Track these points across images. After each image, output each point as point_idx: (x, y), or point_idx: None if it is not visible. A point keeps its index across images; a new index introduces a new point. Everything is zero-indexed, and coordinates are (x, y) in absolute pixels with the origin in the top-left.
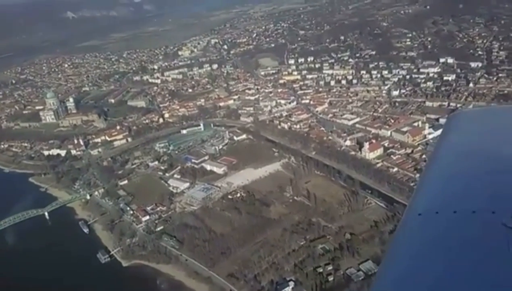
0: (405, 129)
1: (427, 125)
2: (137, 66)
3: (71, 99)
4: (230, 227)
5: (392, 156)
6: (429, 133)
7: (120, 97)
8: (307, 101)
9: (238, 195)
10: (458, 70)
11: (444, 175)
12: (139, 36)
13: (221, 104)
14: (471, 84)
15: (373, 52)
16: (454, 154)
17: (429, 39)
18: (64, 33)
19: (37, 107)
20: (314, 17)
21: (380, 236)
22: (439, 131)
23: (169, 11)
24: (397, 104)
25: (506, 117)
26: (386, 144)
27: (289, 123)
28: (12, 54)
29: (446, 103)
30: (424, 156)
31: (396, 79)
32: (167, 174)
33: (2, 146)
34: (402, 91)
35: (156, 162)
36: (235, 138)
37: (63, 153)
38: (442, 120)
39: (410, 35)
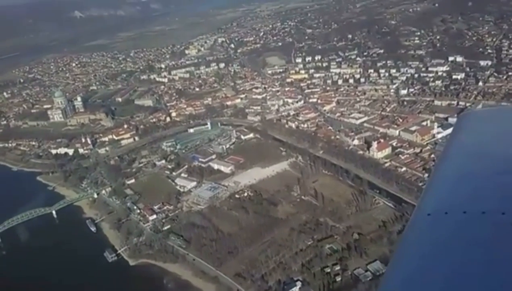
0: (413, 128)
1: (435, 124)
2: (144, 65)
3: (79, 98)
4: (238, 227)
5: (400, 155)
6: (438, 133)
7: (127, 96)
8: (315, 100)
9: (246, 194)
10: (467, 69)
11: (454, 175)
12: (146, 35)
13: (228, 103)
14: (480, 83)
15: (381, 51)
16: (464, 154)
17: (438, 37)
18: (72, 33)
19: (45, 106)
20: (322, 16)
21: (388, 236)
22: (448, 131)
23: (175, 10)
24: (405, 103)
25: None
26: (394, 144)
27: (296, 123)
28: (20, 53)
29: (455, 103)
30: (432, 156)
31: (404, 78)
32: (174, 173)
33: (10, 145)
34: (411, 90)
35: (163, 161)
36: (242, 137)
37: (70, 151)
38: (451, 120)
39: (419, 33)
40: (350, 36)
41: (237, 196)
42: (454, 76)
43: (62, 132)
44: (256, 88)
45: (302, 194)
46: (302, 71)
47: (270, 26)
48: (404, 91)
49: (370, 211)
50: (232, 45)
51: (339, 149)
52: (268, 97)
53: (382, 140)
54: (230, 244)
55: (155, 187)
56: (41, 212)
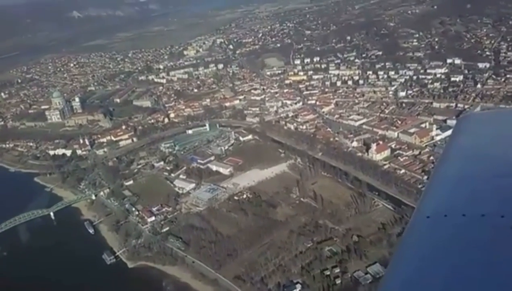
0: (412, 130)
1: (434, 126)
2: (143, 65)
3: (77, 99)
4: (237, 229)
5: (399, 158)
6: (437, 135)
7: (125, 97)
8: (313, 101)
9: (244, 196)
10: (466, 71)
11: (453, 177)
12: (144, 35)
13: (227, 104)
14: (478, 85)
15: (380, 53)
16: (463, 157)
17: (436, 39)
18: (70, 33)
19: (42, 107)
20: (320, 17)
21: (388, 238)
22: (446, 133)
23: (174, 11)
24: (404, 105)
25: None
26: (393, 146)
27: (295, 124)
28: (17, 53)
29: (453, 105)
30: (431, 158)
31: (403, 80)
32: (172, 175)
33: (8, 145)
34: (409, 92)
35: (162, 162)
36: (241, 138)
37: (68, 152)
38: (450, 122)
39: (417, 35)
40: (348, 38)
41: (236, 197)
42: (452, 79)
43: (60, 133)
44: (255, 89)
45: (301, 196)
46: (301, 73)
47: (269, 27)
48: (402, 93)
49: (370, 213)
50: (231, 46)
51: (338, 150)
52: (266, 98)
53: (381, 142)
54: (229, 246)
55: (153, 189)
56: (39, 214)
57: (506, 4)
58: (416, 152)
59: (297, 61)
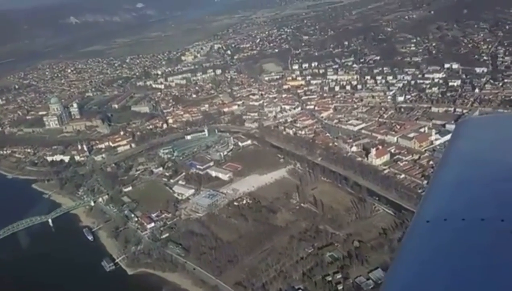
0: (411, 135)
1: (433, 131)
2: (140, 71)
3: (75, 105)
4: (237, 234)
5: (399, 162)
6: (436, 139)
7: (123, 102)
8: (312, 107)
9: (244, 201)
10: (463, 76)
11: (452, 182)
12: (141, 41)
13: (225, 109)
14: (476, 90)
15: (378, 58)
16: (463, 161)
17: (434, 44)
18: (67, 39)
19: (40, 113)
20: (318, 23)
21: (389, 243)
22: (445, 137)
23: (171, 17)
24: (402, 110)
25: None
26: (392, 151)
27: (294, 129)
28: (15, 59)
29: (452, 109)
30: (431, 162)
31: (401, 85)
32: (171, 180)
33: (5, 152)
34: (407, 96)
35: (161, 168)
36: (240, 144)
37: (66, 158)
38: (449, 126)
39: (415, 40)
40: (346, 43)
41: (235, 203)
42: (450, 83)
43: (58, 139)
44: (253, 94)
45: (301, 201)
46: (299, 78)
47: (266, 32)
48: (401, 98)
49: (370, 218)
50: (229, 52)
51: (337, 155)
52: (265, 104)
53: (380, 147)
54: (230, 252)
55: (152, 195)
56: (37, 221)
57: (502, 9)
58: (416, 157)
59: (295, 67)
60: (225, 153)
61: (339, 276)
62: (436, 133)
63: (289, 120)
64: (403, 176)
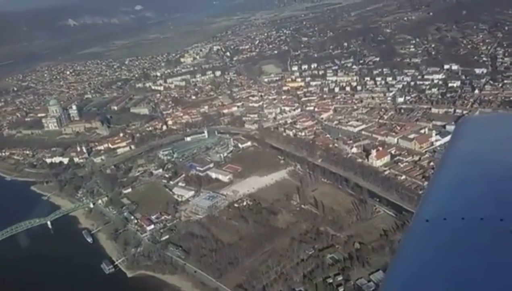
0: (411, 136)
1: (433, 132)
2: (140, 73)
3: (74, 107)
4: (237, 236)
5: (399, 163)
6: (436, 141)
7: (123, 104)
8: (312, 108)
9: (244, 203)
10: (463, 77)
11: (452, 181)
12: (140, 43)
13: (225, 111)
14: (476, 91)
15: (377, 59)
16: (462, 160)
17: (433, 45)
18: (66, 41)
19: (39, 115)
20: (317, 24)
21: (390, 245)
22: (446, 138)
23: (170, 18)
24: (402, 111)
25: None
26: (393, 152)
27: (294, 131)
28: (13, 61)
29: (452, 110)
30: (432, 163)
31: (400, 86)
32: (171, 182)
33: (4, 154)
34: (407, 98)
35: (160, 170)
36: (240, 145)
37: (65, 160)
38: (449, 127)
39: (414, 41)
40: (345, 44)
41: (236, 205)
42: (450, 84)
43: (57, 141)
44: (253, 96)
45: (301, 203)
46: (299, 79)
47: (265, 34)
48: (401, 99)
49: (371, 219)
50: (228, 53)
51: (337, 157)
52: (265, 105)
53: (380, 148)
54: (230, 254)
55: (152, 196)
56: (36, 223)
57: (501, 10)
58: (416, 158)
59: (295, 68)
60: (225, 154)
61: (340, 278)
62: (436, 134)
63: (289, 121)
64: (403, 177)
